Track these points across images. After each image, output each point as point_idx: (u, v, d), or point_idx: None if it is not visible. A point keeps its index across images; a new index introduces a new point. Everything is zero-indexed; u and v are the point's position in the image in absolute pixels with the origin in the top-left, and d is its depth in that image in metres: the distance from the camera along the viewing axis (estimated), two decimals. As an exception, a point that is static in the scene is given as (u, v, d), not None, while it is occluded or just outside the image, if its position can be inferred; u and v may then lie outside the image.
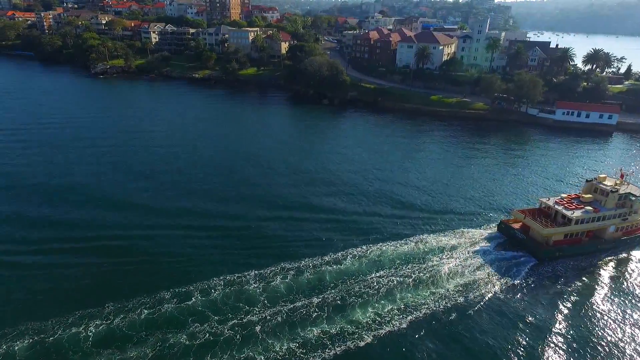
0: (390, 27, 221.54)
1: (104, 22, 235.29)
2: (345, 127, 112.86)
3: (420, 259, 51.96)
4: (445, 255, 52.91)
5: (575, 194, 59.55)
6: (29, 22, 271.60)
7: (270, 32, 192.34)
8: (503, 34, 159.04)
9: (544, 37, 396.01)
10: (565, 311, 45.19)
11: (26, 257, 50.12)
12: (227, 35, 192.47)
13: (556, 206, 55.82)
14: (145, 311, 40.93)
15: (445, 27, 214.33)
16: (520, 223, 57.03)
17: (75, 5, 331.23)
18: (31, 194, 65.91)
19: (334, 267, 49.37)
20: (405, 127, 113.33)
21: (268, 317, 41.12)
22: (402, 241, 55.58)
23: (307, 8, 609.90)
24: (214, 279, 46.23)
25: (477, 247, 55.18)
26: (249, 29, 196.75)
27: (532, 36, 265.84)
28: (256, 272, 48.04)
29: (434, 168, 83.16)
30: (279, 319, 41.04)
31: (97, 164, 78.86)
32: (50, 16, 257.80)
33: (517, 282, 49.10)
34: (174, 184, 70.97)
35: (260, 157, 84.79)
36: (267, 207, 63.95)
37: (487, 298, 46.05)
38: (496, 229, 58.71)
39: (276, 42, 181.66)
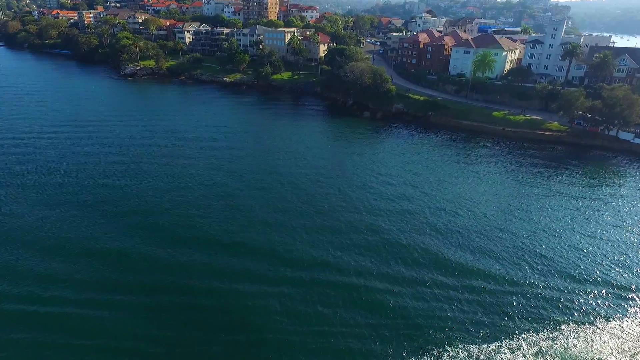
0: (441, 28, 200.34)
1: (140, 21, 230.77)
2: (392, 149, 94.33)
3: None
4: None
5: None
6: (71, 20, 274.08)
7: (308, 33, 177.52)
8: (582, 38, 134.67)
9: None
10: None
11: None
12: (262, 36, 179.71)
13: None
14: None
15: (506, 29, 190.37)
16: None
17: (118, 4, 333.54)
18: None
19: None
20: (465, 150, 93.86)
21: None
22: (496, 345, 37.64)
23: (347, 7, 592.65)
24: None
25: None
26: (285, 29, 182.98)
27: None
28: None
29: (522, 213, 62.60)
30: None
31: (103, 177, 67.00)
32: (91, 15, 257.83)
33: None
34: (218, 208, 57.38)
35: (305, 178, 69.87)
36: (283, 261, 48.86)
37: None
38: None
39: (314, 44, 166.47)
